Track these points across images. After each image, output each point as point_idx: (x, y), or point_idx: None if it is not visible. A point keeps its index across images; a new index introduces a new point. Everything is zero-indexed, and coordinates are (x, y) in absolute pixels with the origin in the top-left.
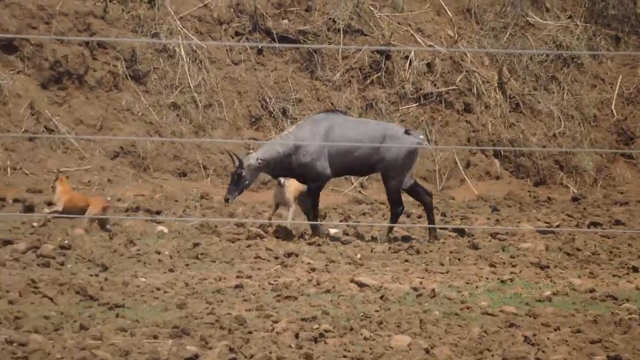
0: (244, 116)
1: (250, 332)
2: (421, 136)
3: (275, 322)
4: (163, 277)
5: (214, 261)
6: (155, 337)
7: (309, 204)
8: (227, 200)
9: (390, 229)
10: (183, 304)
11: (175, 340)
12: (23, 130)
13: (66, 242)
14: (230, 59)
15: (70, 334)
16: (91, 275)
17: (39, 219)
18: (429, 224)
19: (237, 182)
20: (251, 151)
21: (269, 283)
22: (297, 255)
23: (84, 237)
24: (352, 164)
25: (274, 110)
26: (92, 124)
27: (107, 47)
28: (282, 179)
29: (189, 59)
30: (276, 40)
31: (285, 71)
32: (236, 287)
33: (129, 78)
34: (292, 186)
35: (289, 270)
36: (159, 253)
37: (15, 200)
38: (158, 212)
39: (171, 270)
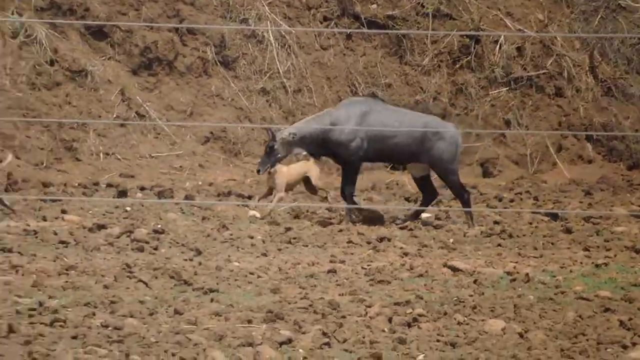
0: (333, 101)
1: (343, 317)
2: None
3: (369, 306)
4: (256, 262)
5: (307, 246)
6: (249, 321)
7: (347, 188)
8: (258, 171)
9: (471, 216)
10: (277, 288)
11: (269, 324)
12: (114, 116)
13: (160, 226)
14: (319, 44)
15: (165, 318)
16: (185, 260)
17: (132, 204)
18: (415, 211)
19: (269, 154)
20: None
21: (362, 267)
22: (389, 240)
23: (177, 222)
24: (388, 151)
25: (363, 95)
26: (182, 110)
27: (196, 33)
28: (277, 166)
29: (278, 45)
30: (365, 25)
31: (374, 56)
32: (329, 271)
33: (219, 64)
34: (285, 172)
35: (381, 255)
36: (251, 237)
37: (109, 185)
38: (249, 197)
39: (264, 255)
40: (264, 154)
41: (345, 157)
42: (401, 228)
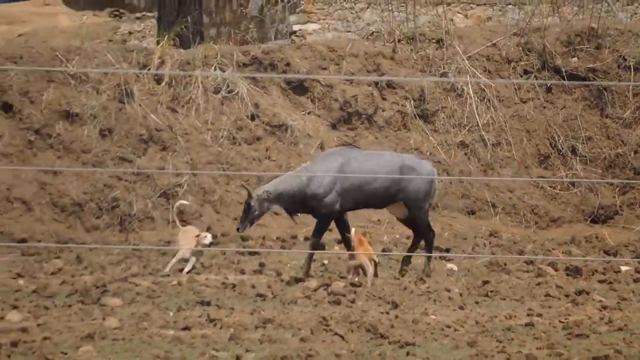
0: (533, 155)
1: None
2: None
3: None
4: (453, 315)
5: (504, 299)
6: None
7: (314, 238)
8: (238, 229)
9: (429, 260)
10: (474, 342)
11: None
12: None
13: (357, 279)
14: (518, 97)
15: None
16: (381, 313)
17: (329, 257)
18: (427, 260)
19: (247, 212)
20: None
21: (560, 321)
22: (587, 293)
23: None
24: (369, 197)
25: (562, 148)
26: None
27: (395, 86)
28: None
29: (477, 98)
30: (565, 78)
31: (575, 109)
32: (527, 325)
33: (418, 117)
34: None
35: (579, 308)
36: (448, 291)
37: (306, 238)
38: (447, 250)
39: (461, 308)
40: (243, 213)
41: (320, 210)
42: (600, 281)
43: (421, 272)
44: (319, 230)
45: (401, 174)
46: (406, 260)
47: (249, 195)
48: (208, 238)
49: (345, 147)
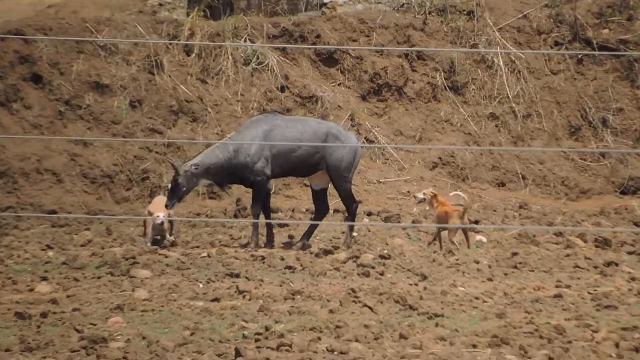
0: (563, 126)
1: (569, 342)
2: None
3: (595, 331)
4: (482, 287)
5: (533, 270)
6: (474, 346)
7: (254, 208)
8: (166, 206)
9: (351, 229)
10: (502, 313)
11: (495, 349)
12: None
13: (385, 251)
14: (549, 69)
15: (390, 343)
16: (410, 285)
17: (358, 229)
18: (307, 231)
19: (174, 189)
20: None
21: (588, 292)
22: (616, 265)
23: (403, 247)
24: (294, 164)
25: (593, 120)
26: (411, 135)
27: (425, 58)
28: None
29: (508, 69)
30: (596, 50)
31: (605, 80)
32: (555, 296)
33: (448, 89)
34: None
35: (608, 279)
36: (477, 262)
37: (336, 210)
38: (477, 222)
39: (490, 280)
40: (170, 189)
41: (252, 179)
42: (629, 252)
43: (345, 244)
44: (257, 198)
45: (326, 141)
46: (351, 230)
47: (176, 172)
48: (160, 218)
49: (269, 113)
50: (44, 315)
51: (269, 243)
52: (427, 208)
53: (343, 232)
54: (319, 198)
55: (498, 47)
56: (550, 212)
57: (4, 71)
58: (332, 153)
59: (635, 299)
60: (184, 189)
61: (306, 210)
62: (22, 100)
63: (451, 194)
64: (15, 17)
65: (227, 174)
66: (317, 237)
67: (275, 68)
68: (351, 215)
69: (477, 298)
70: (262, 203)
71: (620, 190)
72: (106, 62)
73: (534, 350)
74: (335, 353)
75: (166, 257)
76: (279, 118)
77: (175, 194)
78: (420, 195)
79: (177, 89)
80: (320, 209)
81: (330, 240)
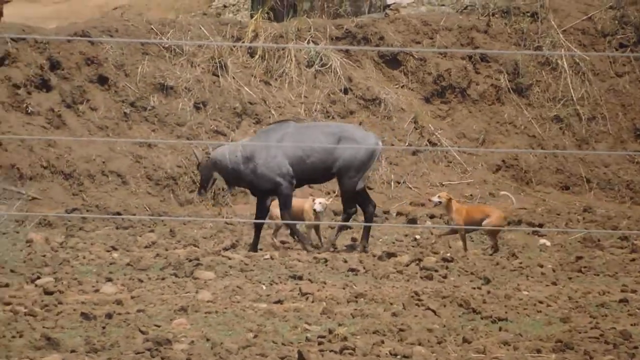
0: (628, 129)
1: (635, 347)
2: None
3: None
4: (546, 290)
5: (598, 275)
6: (538, 351)
7: (284, 214)
8: (199, 194)
9: (340, 229)
10: (567, 317)
11: (559, 354)
12: (407, 143)
13: (449, 254)
14: (613, 71)
15: (454, 347)
16: (474, 288)
17: (421, 232)
18: (364, 234)
19: (200, 177)
20: None
21: None
22: None
23: (466, 250)
24: (309, 171)
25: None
26: (474, 138)
27: (489, 60)
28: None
29: (572, 72)
30: None
31: None
32: (621, 301)
33: (512, 91)
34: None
35: None
36: (541, 266)
37: (399, 213)
38: (540, 225)
39: (554, 284)
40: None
41: (272, 188)
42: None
43: (327, 242)
44: (285, 205)
45: (338, 144)
46: (339, 230)
47: (197, 159)
48: (318, 205)
49: (282, 122)
50: (109, 316)
51: (254, 247)
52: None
53: (406, 235)
54: (362, 197)
55: (562, 49)
56: (615, 216)
57: (71, 73)
58: (342, 154)
59: None
60: (204, 177)
61: None
62: (88, 102)
63: (501, 192)
64: (81, 19)
65: (236, 178)
66: (380, 240)
67: (338, 70)
68: (347, 216)
69: (541, 302)
70: (290, 208)
71: None
72: (171, 64)
73: (599, 355)
74: (399, 357)
75: (229, 259)
76: (291, 126)
77: (201, 183)
78: (436, 199)
79: (241, 91)
80: (367, 210)
81: (394, 242)
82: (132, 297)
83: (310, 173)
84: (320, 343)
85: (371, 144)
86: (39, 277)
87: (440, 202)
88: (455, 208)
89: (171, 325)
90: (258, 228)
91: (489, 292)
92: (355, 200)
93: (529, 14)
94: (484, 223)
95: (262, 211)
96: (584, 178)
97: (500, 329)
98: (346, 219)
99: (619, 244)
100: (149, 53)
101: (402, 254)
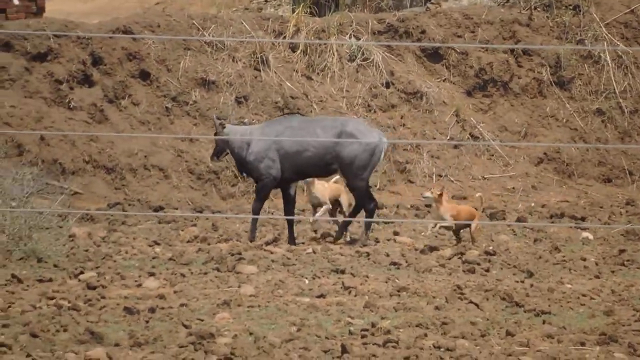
0: None
1: None
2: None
3: None
4: (589, 284)
5: None
6: (582, 343)
7: (255, 204)
8: (211, 159)
9: (368, 227)
10: (610, 310)
11: (603, 347)
12: (448, 137)
13: (491, 248)
14: None
15: (497, 340)
16: (517, 282)
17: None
18: (365, 228)
19: (215, 146)
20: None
21: None
22: None
23: (509, 243)
24: (304, 165)
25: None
26: (516, 131)
27: (531, 54)
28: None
29: (615, 65)
30: None
31: None
32: None
33: (554, 84)
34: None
35: None
36: (584, 259)
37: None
38: (583, 219)
39: (597, 277)
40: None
41: (255, 177)
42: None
43: (360, 244)
44: (258, 197)
45: (338, 138)
46: (343, 227)
47: (216, 128)
48: (428, 195)
49: (288, 115)
50: (152, 310)
51: (291, 241)
52: (432, 206)
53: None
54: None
55: (605, 43)
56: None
57: (113, 68)
58: (342, 151)
59: None
60: (218, 147)
61: (411, 207)
62: (130, 97)
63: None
64: (123, 15)
65: (237, 160)
66: (422, 234)
67: (380, 64)
68: (368, 215)
69: (584, 295)
70: (263, 202)
71: None
72: (212, 59)
73: None
74: (442, 350)
75: (272, 253)
76: (295, 120)
77: (214, 151)
78: (428, 194)
79: (283, 85)
80: (368, 206)
81: (436, 236)
82: (175, 292)
83: (306, 167)
84: (363, 336)
85: (374, 140)
86: (82, 272)
87: (428, 197)
88: (445, 205)
89: (214, 319)
90: (289, 220)
91: (531, 285)
92: (369, 195)
93: (571, 7)
94: (472, 226)
95: (289, 202)
96: (626, 171)
97: (543, 322)
98: (370, 216)
99: None
100: (190, 48)
101: (444, 247)
